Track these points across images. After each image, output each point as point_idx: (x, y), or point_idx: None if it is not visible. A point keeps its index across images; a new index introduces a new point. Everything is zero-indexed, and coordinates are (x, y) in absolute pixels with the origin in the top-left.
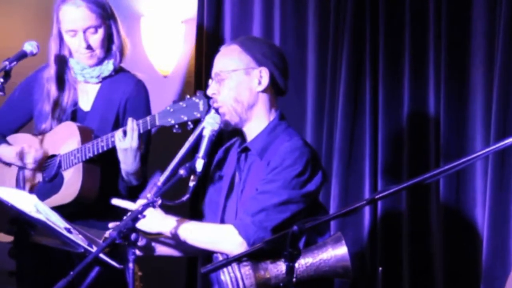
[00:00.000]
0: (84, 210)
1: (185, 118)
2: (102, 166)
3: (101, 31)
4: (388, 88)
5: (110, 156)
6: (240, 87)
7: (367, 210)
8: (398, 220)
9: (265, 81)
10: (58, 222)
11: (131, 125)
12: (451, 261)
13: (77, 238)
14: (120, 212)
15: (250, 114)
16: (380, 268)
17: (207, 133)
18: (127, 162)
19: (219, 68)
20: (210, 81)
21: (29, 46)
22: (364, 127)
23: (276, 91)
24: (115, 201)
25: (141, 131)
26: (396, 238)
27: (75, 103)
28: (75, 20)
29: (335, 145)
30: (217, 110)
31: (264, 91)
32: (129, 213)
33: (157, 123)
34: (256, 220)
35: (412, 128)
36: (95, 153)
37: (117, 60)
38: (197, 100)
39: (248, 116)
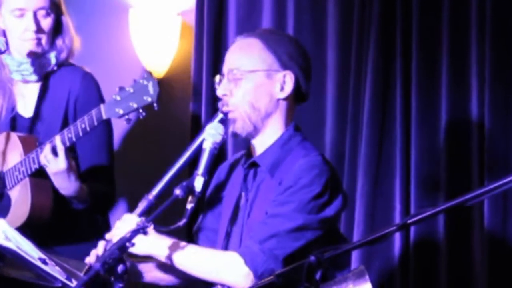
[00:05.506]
0: (41, 234)
1: (135, 106)
2: None
3: (51, 17)
4: (422, 92)
5: None
6: (258, 91)
7: (397, 237)
8: (434, 250)
9: (289, 87)
10: (31, 252)
11: (58, 144)
12: None
13: (53, 270)
14: (87, 232)
15: (265, 123)
16: None
17: (207, 146)
18: (63, 187)
19: (235, 65)
20: (217, 77)
21: None
22: (394, 138)
23: (297, 98)
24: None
25: (88, 128)
26: (431, 270)
27: (13, 109)
28: None
29: (359, 159)
30: (226, 115)
31: (285, 98)
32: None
33: (104, 116)
34: (265, 248)
35: (451, 140)
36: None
37: (61, 54)
38: (145, 82)
39: (263, 126)
